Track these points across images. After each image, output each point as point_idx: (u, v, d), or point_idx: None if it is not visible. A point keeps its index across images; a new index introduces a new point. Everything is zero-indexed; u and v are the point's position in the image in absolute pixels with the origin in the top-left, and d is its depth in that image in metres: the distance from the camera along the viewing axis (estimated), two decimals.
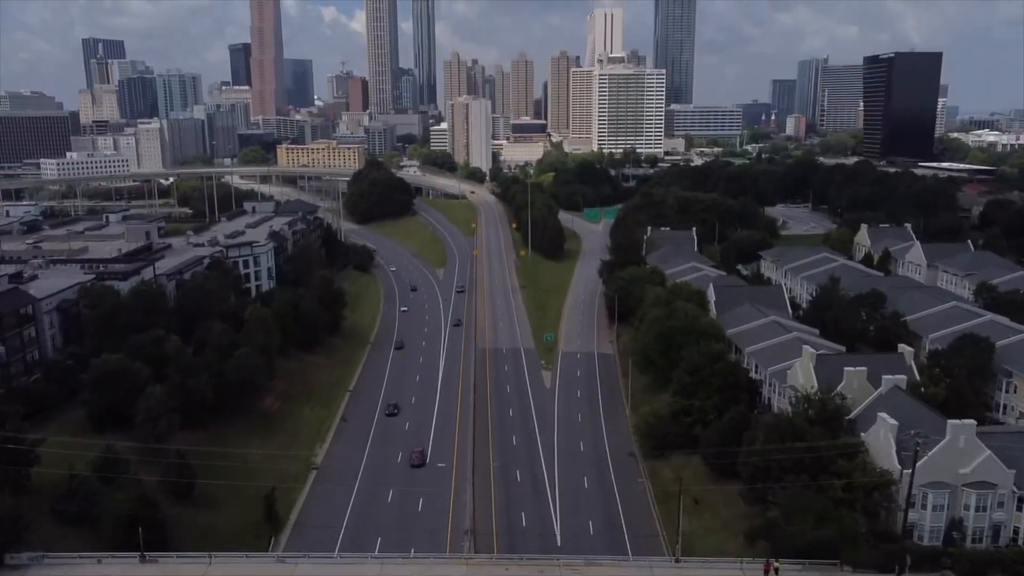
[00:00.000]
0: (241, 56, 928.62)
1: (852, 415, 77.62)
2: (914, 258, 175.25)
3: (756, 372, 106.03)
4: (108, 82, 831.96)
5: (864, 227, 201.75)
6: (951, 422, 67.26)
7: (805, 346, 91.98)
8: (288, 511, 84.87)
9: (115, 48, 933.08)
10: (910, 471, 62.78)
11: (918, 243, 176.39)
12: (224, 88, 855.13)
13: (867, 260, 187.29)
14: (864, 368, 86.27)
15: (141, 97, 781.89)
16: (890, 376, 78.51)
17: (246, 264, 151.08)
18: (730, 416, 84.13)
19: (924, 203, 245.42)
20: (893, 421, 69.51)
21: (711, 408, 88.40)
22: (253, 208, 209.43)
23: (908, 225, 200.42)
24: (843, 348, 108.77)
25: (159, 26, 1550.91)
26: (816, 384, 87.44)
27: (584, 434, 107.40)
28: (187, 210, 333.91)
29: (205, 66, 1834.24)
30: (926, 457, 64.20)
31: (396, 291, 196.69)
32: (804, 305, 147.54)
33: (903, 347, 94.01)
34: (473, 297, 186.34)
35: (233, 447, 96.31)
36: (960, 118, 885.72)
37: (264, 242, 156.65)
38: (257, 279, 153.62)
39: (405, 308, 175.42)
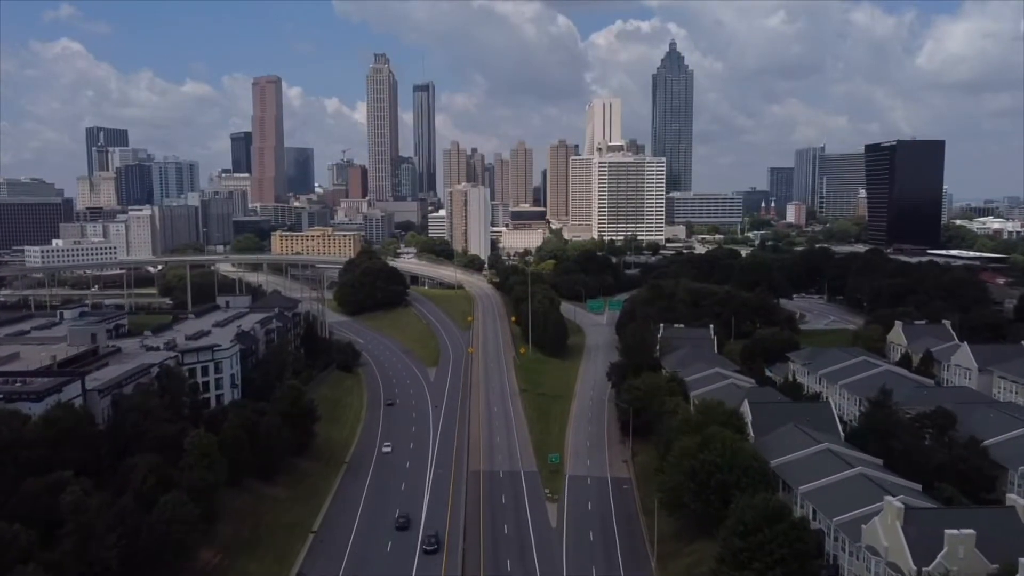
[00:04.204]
0: (242, 144, 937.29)
1: None
2: (962, 361, 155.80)
3: (814, 519, 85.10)
4: (108, 169, 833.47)
5: (898, 324, 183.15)
6: None
7: (888, 498, 71.55)
8: None
9: (118, 136, 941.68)
10: None
11: (965, 344, 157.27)
12: (224, 175, 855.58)
13: (905, 362, 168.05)
14: (972, 531, 65.90)
15: (138, 184, 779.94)
16: None
17: (205, 371, 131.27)
18: None
19: (954, 296, 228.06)
20: None
21: None
22: (227, 303, 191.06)
23: (947, 322, 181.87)
24: (918, 487, 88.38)
25: (166, 116, 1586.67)
26: (908, 551, 66.97)
27: None
28: (167, 300, 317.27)
29: (210, 155, 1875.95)
30: None
31: (382, 395, 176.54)
32: (848, 418, 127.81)
33: (1014, 498, 73.58)
34: (467, 403, 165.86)
35: None
36: (958, 205, 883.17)
37: (228, 345, 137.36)
38: (218, 388, 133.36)
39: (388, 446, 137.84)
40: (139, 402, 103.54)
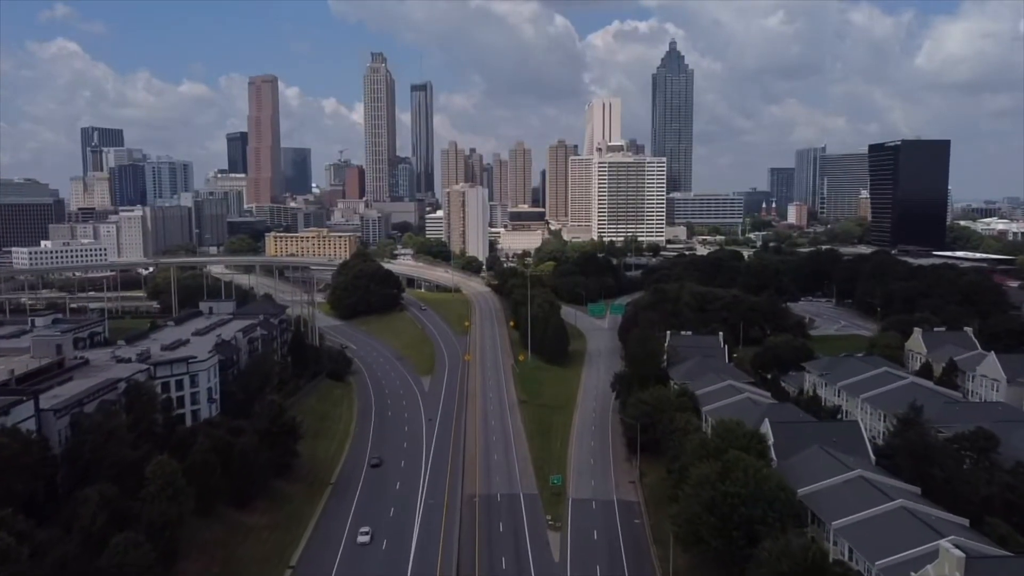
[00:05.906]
0: (239, 145, 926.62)
1: None
2: (989, 371, 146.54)
3: (850, 559, 75.81)
4: (102, 170, 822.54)
5: (918, 331, 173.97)
6: None
7: (943, 543, 62.33)
8: None
9: (113, 136, 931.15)
10: None
11: (992, 354, 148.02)
12: (220, 176, 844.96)
13: (925, 371, 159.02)
14: None
15: (131, 184, 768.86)
16: None
17: (180, 385, 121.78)
18: None
19: (970, 300, 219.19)
20: None
21: None
22: (210, 309, 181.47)
23: (969, 329, 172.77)
24: (966, 522, 79.23)
25: (163, 117, 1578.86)
26: None
27: None
28: (155, 304, 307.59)
29: (207, 155, 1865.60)
30: None
31: (373, 406, 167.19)
32: (871, 434, 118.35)
33: None
34: (463, 416, 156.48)
35: None
36: (959, 206, 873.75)
37: (206, 356, 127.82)
38: (194, 403, 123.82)
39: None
40: (100, 422, 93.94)
